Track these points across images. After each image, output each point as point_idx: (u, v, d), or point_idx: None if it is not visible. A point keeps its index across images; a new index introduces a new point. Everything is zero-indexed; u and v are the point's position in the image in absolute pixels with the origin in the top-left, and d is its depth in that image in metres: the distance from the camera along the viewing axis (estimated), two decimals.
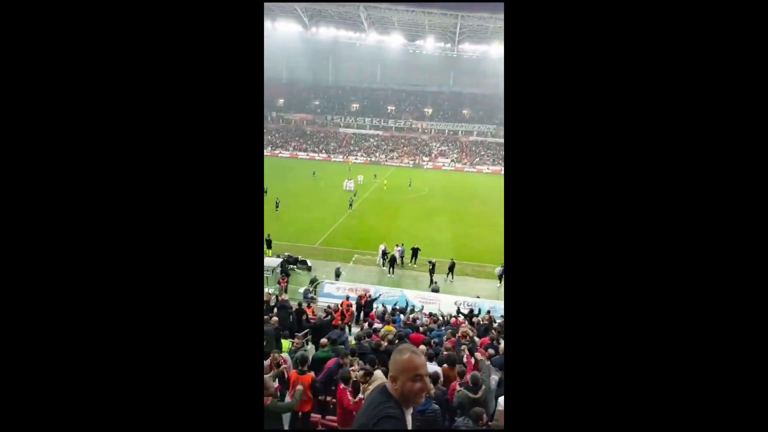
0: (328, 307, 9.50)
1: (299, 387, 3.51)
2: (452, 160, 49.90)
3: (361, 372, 3.91)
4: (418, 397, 1.27)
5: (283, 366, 4.40)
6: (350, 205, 23.60)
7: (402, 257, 15.20)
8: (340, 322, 8.28)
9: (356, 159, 48.60)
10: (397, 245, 15.34)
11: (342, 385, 3.84)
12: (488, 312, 9.88)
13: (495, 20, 49.35)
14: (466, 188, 33.83)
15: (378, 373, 4.07)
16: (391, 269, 14.75)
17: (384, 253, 14.92)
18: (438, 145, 52.94)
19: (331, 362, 4.52)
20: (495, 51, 54.43)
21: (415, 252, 15.21)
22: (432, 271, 13.72)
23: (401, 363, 1.29)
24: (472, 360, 5.20)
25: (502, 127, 54.83)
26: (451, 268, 14.32)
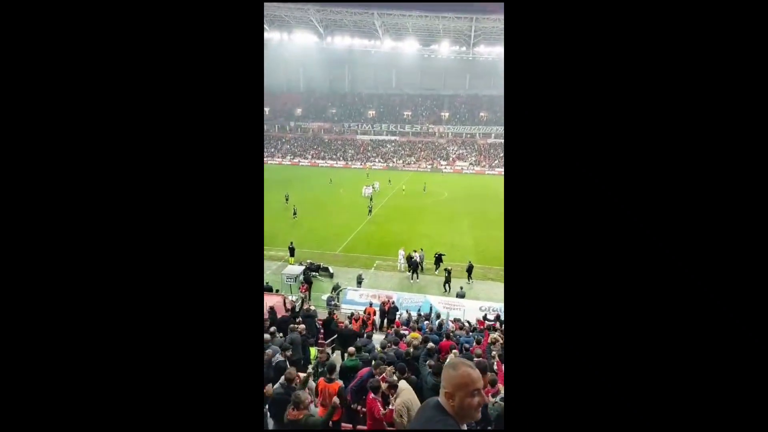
0: (352, 314, 9.47)
1: (335, 400, 3.47)
2: (471, 163, 49.42)
3: (386, 385, 3.84)
4: (476, 412, 1.21)
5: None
6: (369, 211, 23.64)
7: (421, 262, 15.02)
8: (360, 330, 8.24)
9: (374, 165, 48.81)
10: (415, 251, 15.20)
11: (372, 395, 3.77)
12: None
13: None
14: (486, 191, 33.35)
15: (402, 384, 3.99)
16: (414, 274, 14.62)
17: (409, 258, 14.78)
18: (456, 149, 52.58)
19: (364, 371, 4.47)
20: None
21: (438, 258, 14.97)
22: (448, 279, 13.46)
23: (457, 379, 1.24)
24: (503, 367, 5.04)
25: None
26: (470, 271, 14.15)
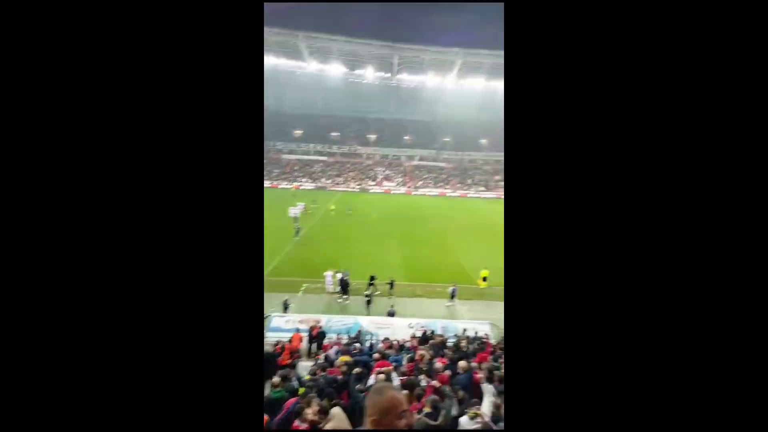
0: (277, 342, 8.98)
1: None
2: (398, 184, 51.13)
3: (317, 410, 3.70)
4: None
5: None
6: (296, 232, 22.99)
7: (347, 279, 14.89)
8: (289, 360, 7.84)
9: (302, 185, 47.94)
10: (339, 271, 15.08)
11: (296, 422, 3.59)
12: (432, 332, 10.01)
13: (429, 52, 52.72)
14: (414, 211, 34.64)
15: (335, 410, 3.87)
16: (344, 294, 14.43)
17: (342, 281, 14.59)
18: (383, 170, 54.08)
19: (290, 402, 4.23)
20: (431, 81, 57.83)
21: (371, 280, 14.97)
22: (369, 302, 13.44)
23: (384, 404, 1.24)
24: (433, 382, 5.17)
25: (443, 153, 58.04)
26: (391, 285, 14.51)
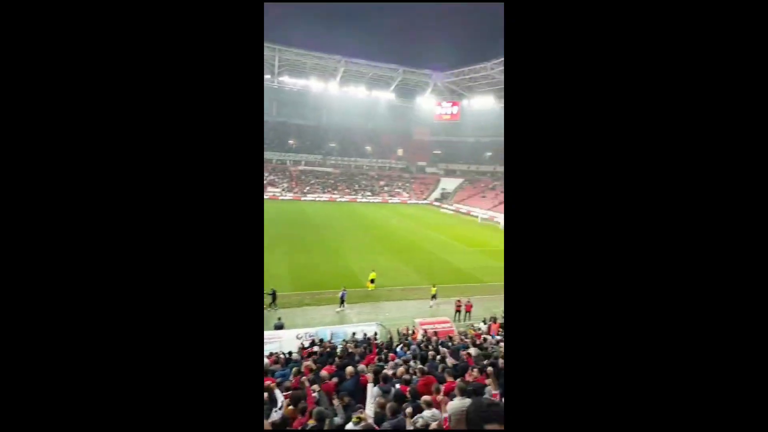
0: None
1: None
2: (284, 190, 49.35)
3: None
4: None
5: None
6: None
7: None
8: None
9: None
10: None
11: None
12: (321, 340, 9.93)
13: (311, 57, 52.46)
14: (302, 217, 33.85)
15: None
16: None
17: None
18: (267, 175, 51.56)
19: None
20: (315, 86, 57.61)
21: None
22: None
23: None
24: (314, 394, 5.05)
25: (330, 158, 58.19)
26: (273, 297, 14.04)
